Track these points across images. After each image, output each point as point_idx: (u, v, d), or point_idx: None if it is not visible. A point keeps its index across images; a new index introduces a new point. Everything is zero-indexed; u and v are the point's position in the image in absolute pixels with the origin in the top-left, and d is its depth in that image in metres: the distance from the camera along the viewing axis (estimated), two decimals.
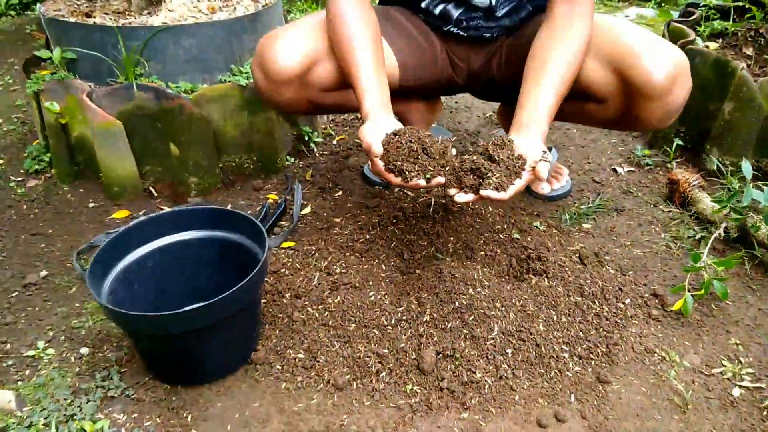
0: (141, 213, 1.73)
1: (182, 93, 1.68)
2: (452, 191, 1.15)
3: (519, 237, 1.45)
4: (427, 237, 1.43)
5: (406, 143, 1.13)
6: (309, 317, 1.28)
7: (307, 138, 2.03)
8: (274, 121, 1.84)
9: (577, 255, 1.46)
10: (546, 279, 1.32)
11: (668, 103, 1.29)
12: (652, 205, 1.75)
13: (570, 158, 2.02)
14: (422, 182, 1.12)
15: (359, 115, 2.32)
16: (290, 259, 1.46)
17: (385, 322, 1.24)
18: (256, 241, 1.24)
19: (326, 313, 1.28)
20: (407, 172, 1.12)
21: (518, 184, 1.13)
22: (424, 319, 1.23)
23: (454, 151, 1.18)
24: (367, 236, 1.46)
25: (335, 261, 1.39)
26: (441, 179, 1.14)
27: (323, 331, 1.25)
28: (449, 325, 1.21)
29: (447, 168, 1.15)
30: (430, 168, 1.13)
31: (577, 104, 1.42)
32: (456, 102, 2.49)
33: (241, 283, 1.07)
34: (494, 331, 1.20)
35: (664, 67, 1.25)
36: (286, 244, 1.55)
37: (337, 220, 1.63)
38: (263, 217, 1.67)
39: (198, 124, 1.69)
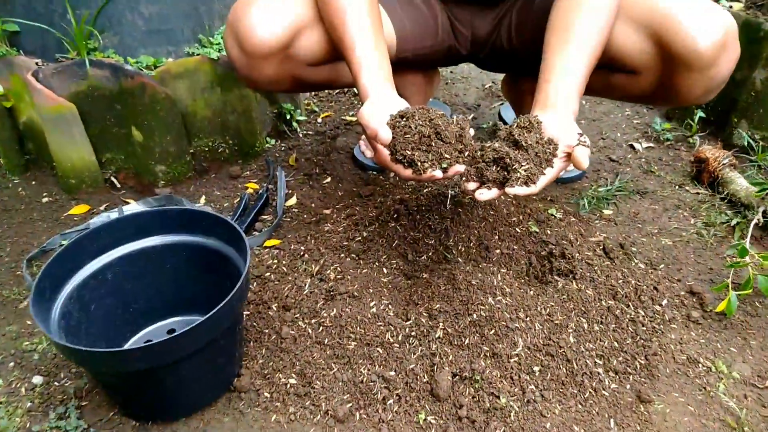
0: (102, 207, 1.52)
1: (143, 69, 1.48)
2: (471, 186, 0.96)
3: (537, 230, 1.27)
4: (434, 234, 1.24)
5: (415, 127, 0.93)
6: (300, 333, 1.10)
7: (288, 116, 1.82)
8: (250, 99, 1.64)
9: (602, 248, 1.29)
10: (574, 281, 1.15)
11: (713, 76, 1.12)
12: (677, 186, 1.58)
13: None
14: (438, 173, 0.93)
15: (348, 90, 2.14)
16: (275, 261, 1.27)
17: (391, 339, 1.06)
18: (235, 247, 1.05)
19: (320, 328, 1.10)
20: (419, 163, 0.92)
21: (550, 174, 0.95)
22: (437, 335, 1.05)
23: (472, 132, 0.98)
24: (364, 234, 1.27)
25: (328, 264, 1.20)
26: (460, 167, 0.95)
27: (318, 351, 1.07)
28: (466, 341, 1.04)
29: (466, 153, 0.96)
30: (446, 155, 0.93)
31: (605, 75, 1.23)
32: (452, 72, 2.28)
33: (220, 306, 0.88)
34: (518, 346, 1.03)
35: (712, 33, 1.07)
36: (269, 243, 1.35)
37: (327, 211, 1.44)
38: (242, 210, 1.46)
39: (163, 104, 1.48)
